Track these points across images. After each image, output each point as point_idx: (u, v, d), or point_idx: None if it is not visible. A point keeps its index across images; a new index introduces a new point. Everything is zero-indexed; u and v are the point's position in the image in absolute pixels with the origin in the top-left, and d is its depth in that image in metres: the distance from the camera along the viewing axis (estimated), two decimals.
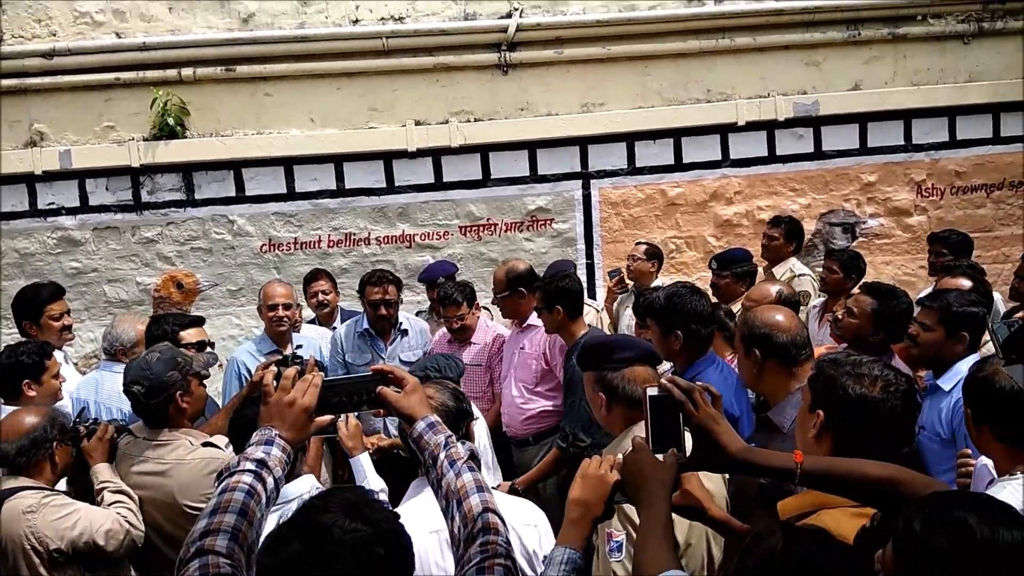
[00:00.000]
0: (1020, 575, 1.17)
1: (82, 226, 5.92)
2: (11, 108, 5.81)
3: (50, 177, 5.85)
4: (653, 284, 5.12)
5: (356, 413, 2.98)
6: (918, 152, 6.21)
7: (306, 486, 2.34)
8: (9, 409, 3.22)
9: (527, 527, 2.15)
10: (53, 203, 5.90)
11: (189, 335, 3.69)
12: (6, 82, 5.74)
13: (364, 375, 1.76)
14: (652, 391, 1.62)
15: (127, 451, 2.78)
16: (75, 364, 5.04)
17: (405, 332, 4.55)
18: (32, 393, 3.30)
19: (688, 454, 1.62)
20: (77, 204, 5.92)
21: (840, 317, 3.47)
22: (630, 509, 2.05)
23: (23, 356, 3.32)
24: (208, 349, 3.65)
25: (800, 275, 4.97)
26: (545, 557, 2.12)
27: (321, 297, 5.07)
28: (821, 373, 1.91)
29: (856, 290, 3.98)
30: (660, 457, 1.61)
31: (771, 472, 1.64)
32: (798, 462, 1.56)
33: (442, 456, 1.61)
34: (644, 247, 5.35)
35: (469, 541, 1.49)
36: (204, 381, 3.02)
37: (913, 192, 6.24)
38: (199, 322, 3.90)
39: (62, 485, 2.84)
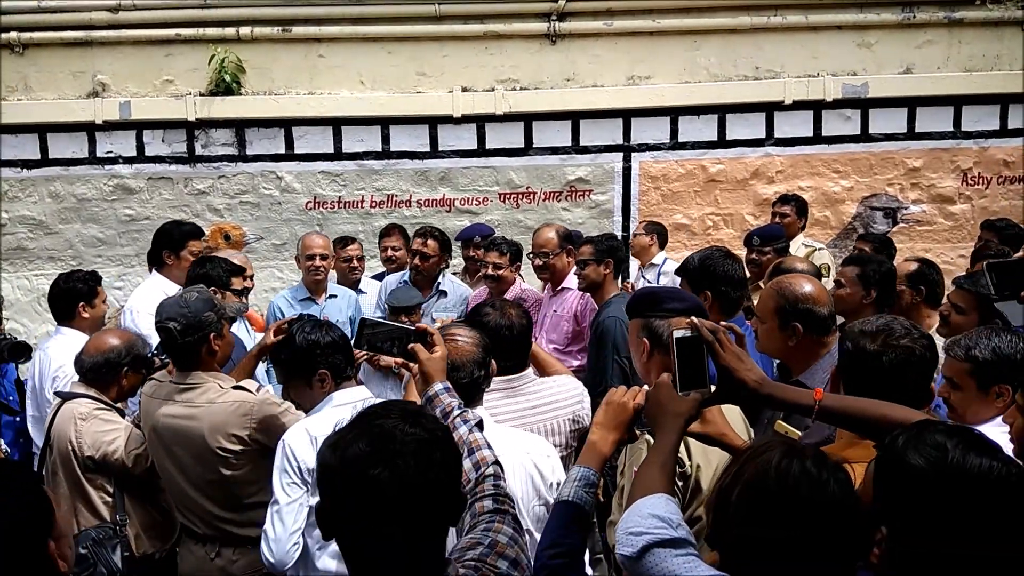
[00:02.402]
0: (984, 500, 1.21)
1: (137, 175, 6.15)
2: (76, 59, 6.04)
3: (109, 127, 6.08)
4: (653, 260, 5.46)
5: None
6: (967, 140, 6.13)
7: (360, 395, 2.50)
8: (65, 329, 3.50)
9: (545, 458, 2.24)
10: (111, 152, 6.13)
11: (237, 282, 3.78)
12: (72, 34, 5.97)
13: (408, 327, 2.03)
14: (679, 333, 1.69)
15: (154, 395, 2.73)
16: None
17: (444, 293, 4.68)
18: (86, 315, 3.57)
19: (713, 391, 1.70)
20: (134, 154, 6.14)
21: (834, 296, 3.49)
22: None
23: (78, 283, 3.58)
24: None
25: (819, 249, 5.05)
26: (558, 483, 2.23)
27: (391, 252, 5.16)
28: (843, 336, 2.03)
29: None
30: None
31: (790, 406, 1.72)
32: (817, 399, 1.63)
33: (456, 413, 1.84)
34: (645, 223, 5.66)
35: (480, 481, 1.68)
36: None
37: (959, 180, 6.16)
38: (242, 271, 3.99)
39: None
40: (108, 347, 2.92)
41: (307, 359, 2.49)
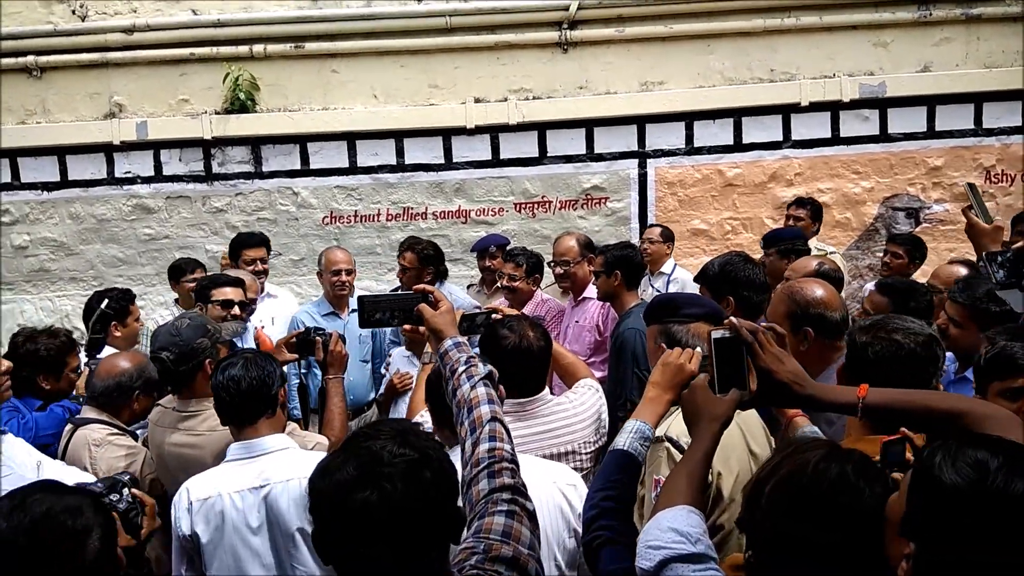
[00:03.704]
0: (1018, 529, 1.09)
1: (155, 194, 6.20)
2: (93, 81, 6.10)
3: (127, 147, 6.13)
4: (662, 268, 5.41)
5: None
6: (988, 136, 6.01)
7: (255, 450, 2.33)
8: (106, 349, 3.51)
9: (572, 488, 2.17)
10: (129, 172, 6.19)
11: (217, 293, 3.69)
12: (88, 56, 6.03)
13: (408, 293, 2.02)
14: (717, 333, 1.67)
15: (159, 422, 2.73)
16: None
17: None
18: (118, 334, 3.62)
19: (752, 392, 1.67)
20: (152, 173, 6.19)
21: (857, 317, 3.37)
22: (679, 456, 2.11)
23: (109, 301, 3.63)
24: (235, 311, 3.69)
25: (830, 252, 4.97)
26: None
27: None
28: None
29: (871, 288, 3.81)
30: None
31: (834, 407, 1.68)
32: (861, 396, 1.58)
33: (461, 369, 1.80)
34: (659, 230, 5.54)
35: (476, 445, 1.64)
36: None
37: (981, 178, 6.04)
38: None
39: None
40: (119, 371, 2.86)
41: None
